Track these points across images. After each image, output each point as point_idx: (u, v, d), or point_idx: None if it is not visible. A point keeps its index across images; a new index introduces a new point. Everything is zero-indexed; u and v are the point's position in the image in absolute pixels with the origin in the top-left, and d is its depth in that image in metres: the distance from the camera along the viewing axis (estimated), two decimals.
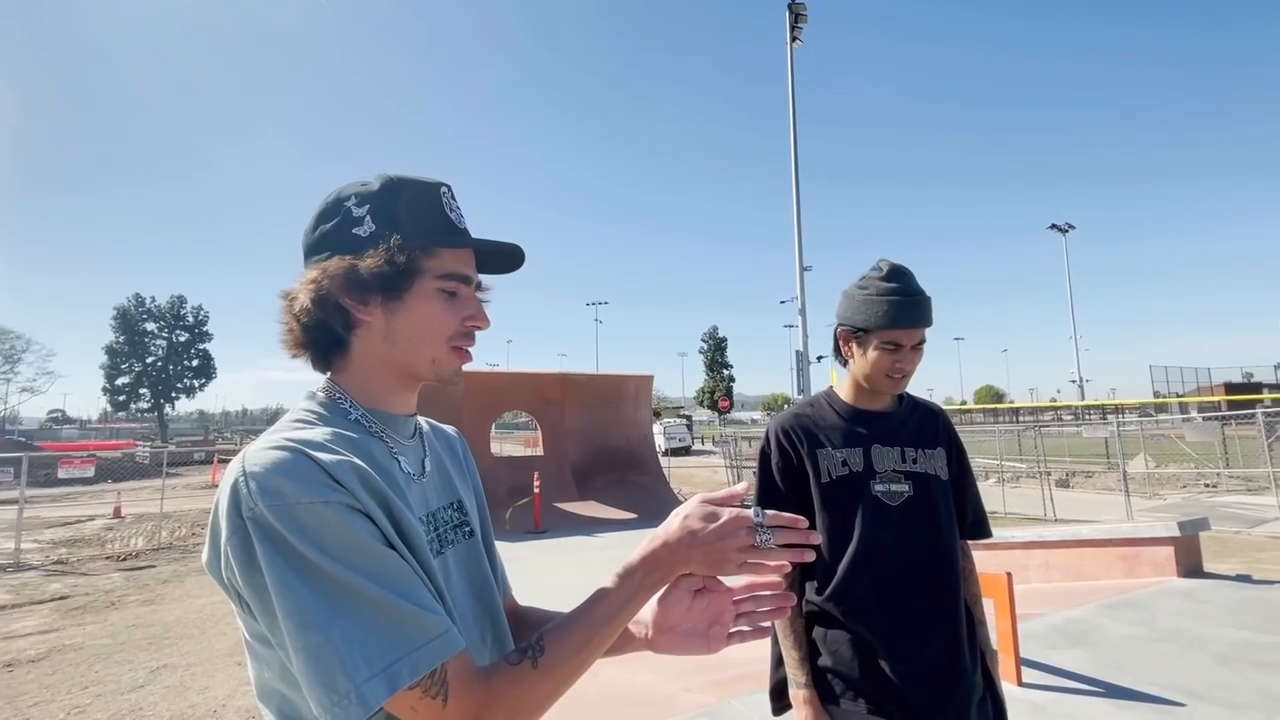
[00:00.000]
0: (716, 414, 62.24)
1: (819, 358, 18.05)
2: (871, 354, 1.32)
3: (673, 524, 0.69)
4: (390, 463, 0.72)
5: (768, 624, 0.78)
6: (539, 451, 13.03)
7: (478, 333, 0.78)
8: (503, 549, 0.88)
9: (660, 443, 24.47)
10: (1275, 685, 3.18)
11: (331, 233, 0.73)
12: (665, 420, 33.96)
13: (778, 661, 1.36)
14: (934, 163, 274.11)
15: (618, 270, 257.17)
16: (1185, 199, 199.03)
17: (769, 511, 0.69)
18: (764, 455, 1.41)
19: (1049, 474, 14.50)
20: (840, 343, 1.40)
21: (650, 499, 11.40)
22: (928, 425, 1.41)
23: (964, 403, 66.54)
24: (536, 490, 9.63)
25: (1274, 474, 11.27)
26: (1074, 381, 39.49)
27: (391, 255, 0.70)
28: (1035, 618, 4.37)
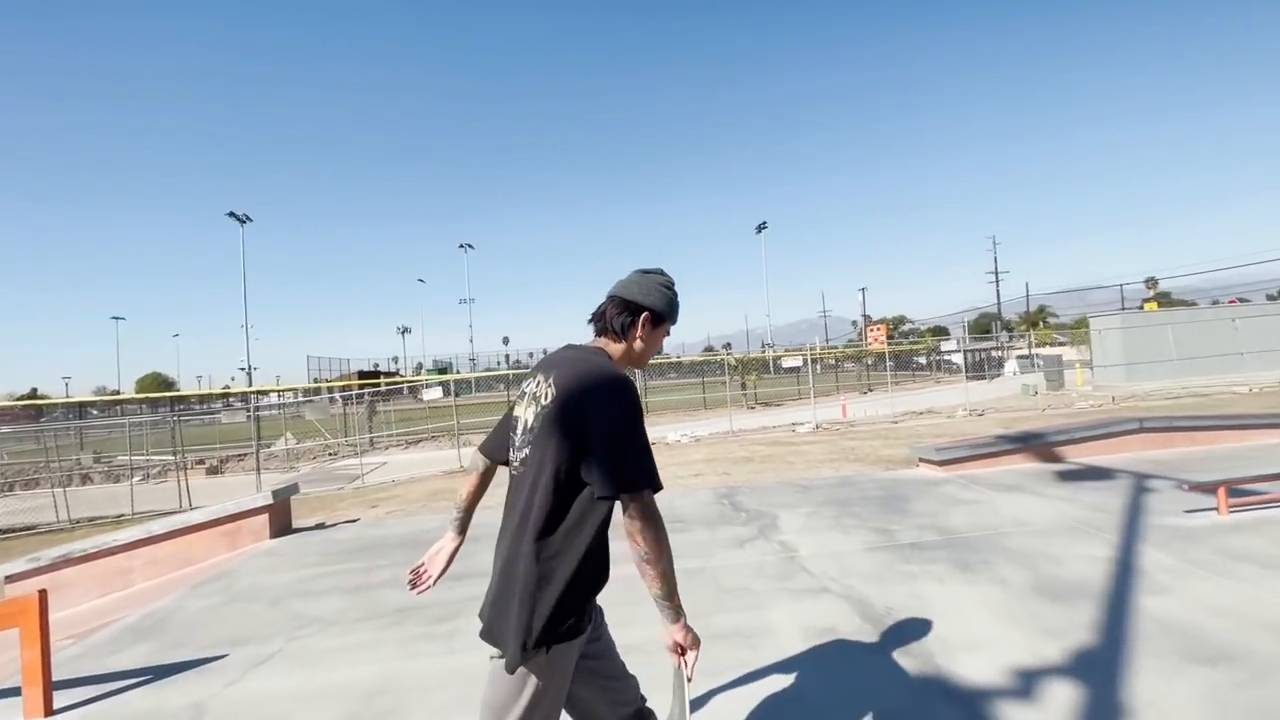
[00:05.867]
0: None
1: None
2: (658, 335, 1.61)
3: None
4: None
5: None
6: None
7: None
8: None
9: None
10: (401, 603, 4.07)
11: None
12: None
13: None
14: None
15: None
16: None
17: None
18: None
19: (192, 464, 14.28)
20: (642, 324, 1.56)
21: None
22: None
23: (117, 392, 57.01)
24: None
25: (372, 439, 15.02)
26: (243, 369, 40.83)
27: None
28: (109, 625, 4.07)
